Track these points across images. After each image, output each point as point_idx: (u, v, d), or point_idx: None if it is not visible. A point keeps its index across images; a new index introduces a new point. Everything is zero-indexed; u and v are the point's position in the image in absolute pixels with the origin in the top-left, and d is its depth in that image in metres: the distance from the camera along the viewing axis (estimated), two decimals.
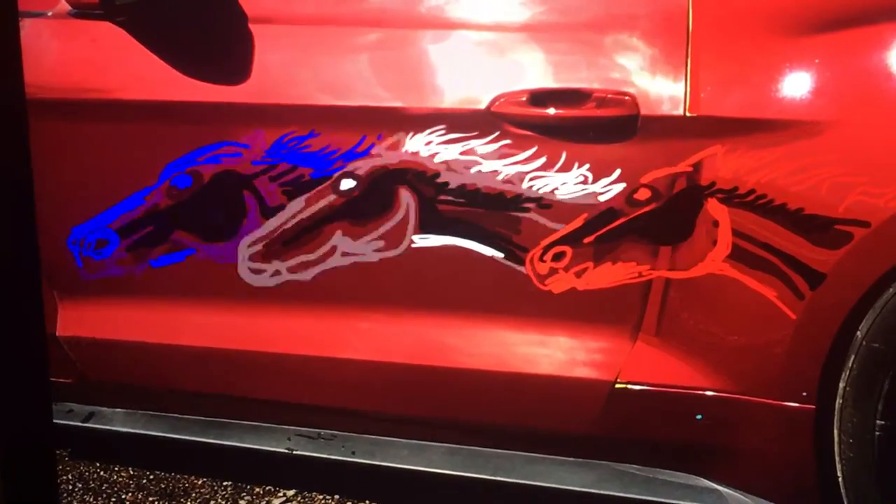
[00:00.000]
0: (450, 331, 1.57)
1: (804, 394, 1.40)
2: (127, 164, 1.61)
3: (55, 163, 1.61)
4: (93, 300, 1.71)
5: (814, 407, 1.40)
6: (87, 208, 1.64)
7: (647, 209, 1.43)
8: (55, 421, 1.66)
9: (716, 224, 1.41)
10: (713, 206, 1.40)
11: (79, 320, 1.72)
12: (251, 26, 1.55)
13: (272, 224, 1.57)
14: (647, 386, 1.49)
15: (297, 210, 1.56)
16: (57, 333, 1.72)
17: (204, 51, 1.59)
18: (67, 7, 1.61)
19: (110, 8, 1.50)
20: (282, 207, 1.56)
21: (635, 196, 1.43)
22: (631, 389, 1.49)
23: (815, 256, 1.36)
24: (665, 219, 1.43)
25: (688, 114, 1.39)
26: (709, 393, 1.46)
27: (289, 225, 1.57)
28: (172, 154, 1.57)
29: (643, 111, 1.40)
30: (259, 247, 1.59)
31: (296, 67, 1.55)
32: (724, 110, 1.39)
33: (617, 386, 1.50)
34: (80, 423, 1.75)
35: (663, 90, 1.40)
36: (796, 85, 1.37)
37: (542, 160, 1.45)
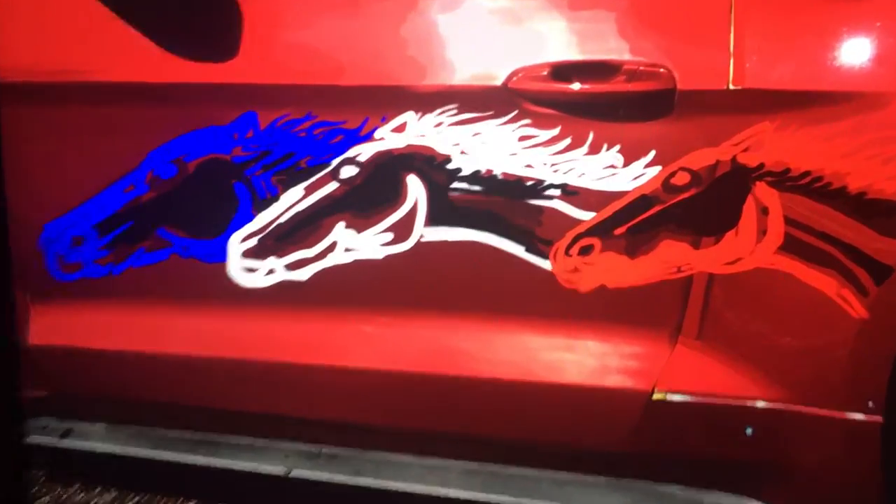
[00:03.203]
0: (464, 335, 1.52)
1: (870, 404, 1.34)
2: (105, 152, 1.56)
3: (26, 152, 1.57)
4: (68, 304, 1.65)
5: (881, 419, 1.33)
6: (61, 202, 1.60)
7: (686, 195, 1.38)
8: (28, 439, 1.63)
9: (765, 211, 1.35)
10: (762, 191, 1.35)
11: (53, 327, 1.67)
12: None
13: (266, 217, 1.52)
14: (689, 396, 1.44)
15: (293, 201, 1.50)
16: (29, 342, 1.67)
17: (189, 26, 1.52)
18: None
19: None
20: (276, 199, 1.51)
21: (673, 181, 1.38)
22: (670, 400, 1.44)
23: (880, 246, 1.31)
24: (707, 206, 1.37)
25: (731, 87, 1.34)
26: (759, 404, 1.40)
27: (284, 218, 1.52)
28: (155, 141, 1.52)
29: (680, 85, 1.35)
30: (252, 243, 1.54)
31: (290, 43, 1.48)
32: (774, 82, 1.33)
33: (654, 396, 1.45)
34: (56, 441, 1.71)
35: (703, 61, 1.34)
36: (856, 51, 1.31)
37: (567, 142, 1.39)
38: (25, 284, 1.66)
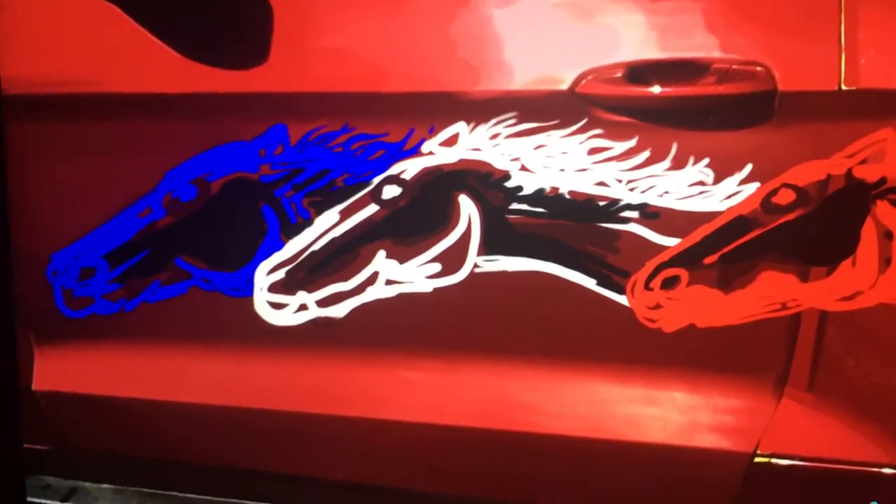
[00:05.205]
0: (525, 384, 1.46)
1: None
2: (118, 172, 1.53)
3: (32, 172, 1.55)
4: (76, 345, 1.62)
5: None
6: (70, 229, 1.57)
7: (790, 217, 1.32)
8: (29, 500, 1.59)
9: (889, 235, 1.29)
10: (884, 211, 1.28)
11: (59, 371, 1.64)
12: None
13: (297, 245, 1.48)
14: (799, 460, 1.37)
15: (327, 226, 1.46)
16: (32, 387, 1.64)
17: (211, 29, 1.50)
18: None
19: None
20: (309, 223, 1.46)
21: (774, 200, 1.32)
22: (776, 465, 1.37)
23: None
24: (817, 230, 1.32)
25: (844, 87, 1.26)
26: (887, 470, 1.33)
27: (317, 246, 1.47)
28: (174, 159, 1.49)
29: (782, 86, 1.28)
30: (280, 274, 1.49)
31: (325, 46, 1.44)
32: (895, 81, 1.25)
33: (756, 459, 1.38)
34: (58, 503, 1.66)
35: (809, 57, 1.27)
36: None
37: (646, 154, 1.33)
38: (30, 322, 1.64)
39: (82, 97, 1.50)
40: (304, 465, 1.56)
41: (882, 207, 1.27)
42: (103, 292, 1.58)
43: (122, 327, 1.58)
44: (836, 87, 1.27)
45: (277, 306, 1.51)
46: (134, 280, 1.56)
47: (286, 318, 1.50)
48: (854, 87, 1.26)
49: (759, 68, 1.28)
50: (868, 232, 1.29)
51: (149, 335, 1.59)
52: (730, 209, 1.32)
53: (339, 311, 1.48)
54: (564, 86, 1.34)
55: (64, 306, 1.60)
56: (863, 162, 1.27)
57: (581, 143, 1.35)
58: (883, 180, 1.27)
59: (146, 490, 1.65)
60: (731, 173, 1.32)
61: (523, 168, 1.38)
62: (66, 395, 1.64)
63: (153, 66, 1.46)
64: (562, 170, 1.36)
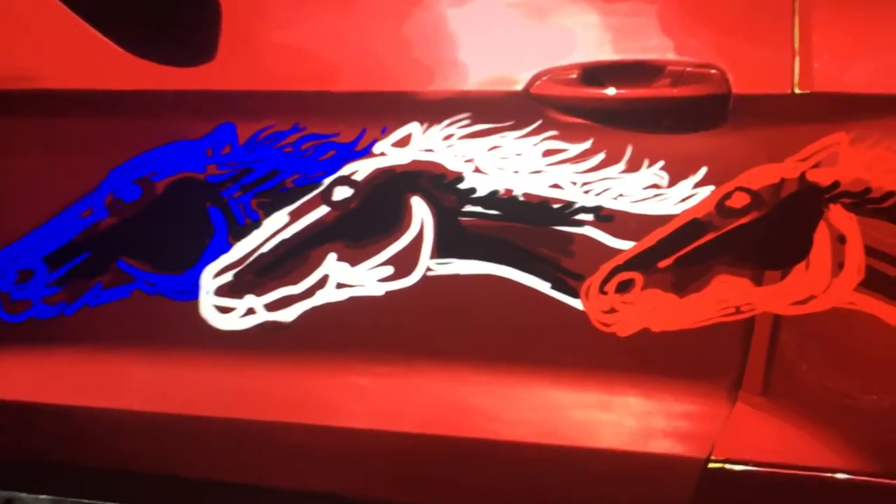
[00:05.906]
0: (478, 389, 1.46)
1: None
2: (59, 171, 1.50)
3: None
4: (14, 350, 1.59)
5: None
6: (7, 230, 1.53)
7: (744, 220, 1.32)
8: None
9: (842, 239, 1.29)
10: (837, 216, 1.29)
11: None
12: None
13: (244, 247, 1.46)
14: (753, 465, 1.38)
15: (276, 228, 1.44)
16: None
17: (157, 25, 1.47)
18: None
19: None
20: (257, 225, 1.45)
21: (728, 203, 1.32)
22: (730, 470, 1.38)
23: None
24: (770, 233, 1.32)
25: (797, 91, 1.27)
26: (840, 475, 1.34)
27: (266, 248, 1.45)
28: (116, 158, 1.46)
29: (736, 89, 1.29)
30: (227, 277, 1.47)
31: (275, 43, 1.43)
32: (848, 84, 1.26)
33: (710, 465, 1.38)
34: None
35: (763, 60, 1.28)
36: None
37: (600, 157, 1.33)
38: None
39: (20, 93, 1.47)
40: (251, 473, 1.55)
41: (835, 211, 1.28)
42: (42, 295, 1.55)
43: (62, 332, 1.55)
44: (790, 91, 1.27)
45: (224, 310, 1.49)
46: (75, 283, 1.53)
47: (233, 322, 1.49)
48: (808, 91, 1.26)
49: (713, 71, 1.29)
50: (821, 236, 1.30)
51: (90, 340, 1.56)
52: (684, 212, 1.33)
53: (289, 315, 1.47)
54: (519, 87, 1.34)
55: (1, 310, 1.57)
56: (816, 165, 1.28)
57: (535, 144, 1.35)
58: (836, 184, 1.27)
59: (86, 501, 1.63)
60: (685, 176, 1.32)
61: (477, 170, 1.37)
62: (3, 402, 1.60)
63: (95, 62, 1.43)
64: (516, 172, 1.36)
